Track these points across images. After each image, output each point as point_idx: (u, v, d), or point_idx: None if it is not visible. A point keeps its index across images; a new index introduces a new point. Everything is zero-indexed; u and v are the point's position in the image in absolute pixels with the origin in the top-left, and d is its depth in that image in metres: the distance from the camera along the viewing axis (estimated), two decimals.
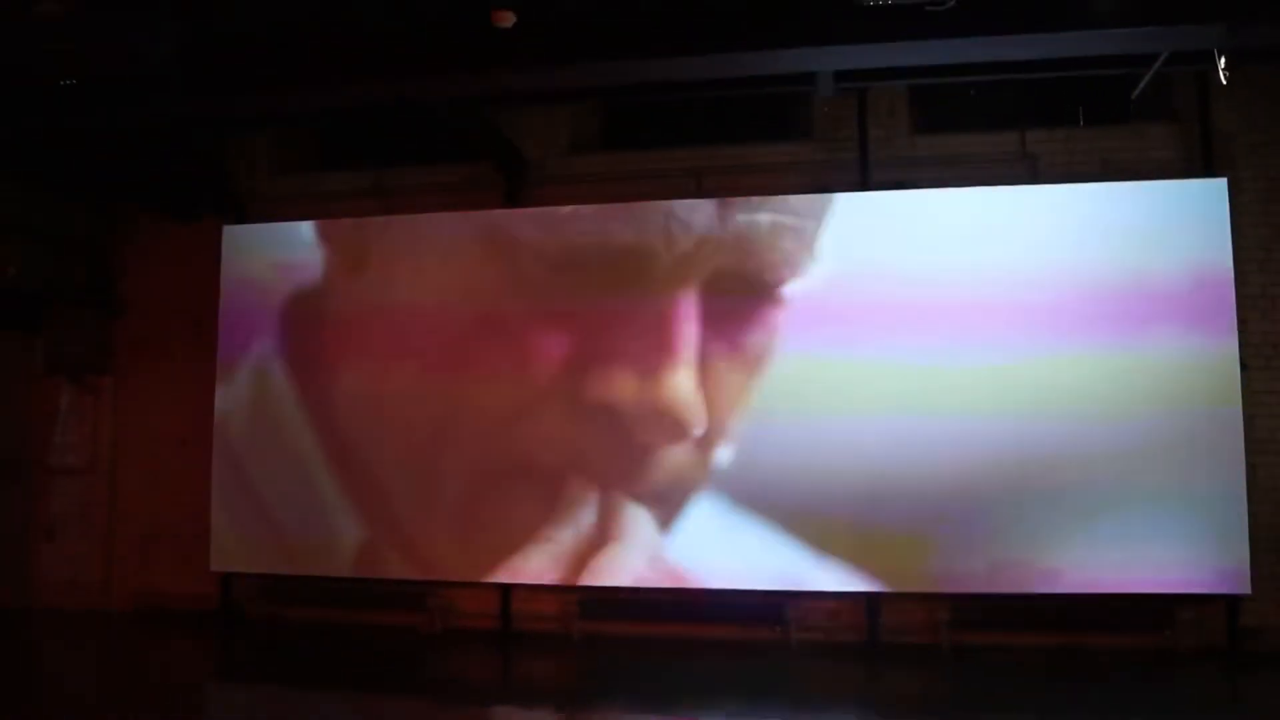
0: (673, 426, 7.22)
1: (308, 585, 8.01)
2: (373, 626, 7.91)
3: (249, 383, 8.16)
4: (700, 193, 7.66)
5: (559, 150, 8.12)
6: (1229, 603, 6.77)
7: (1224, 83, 6.37)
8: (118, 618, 8.55)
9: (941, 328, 7.03)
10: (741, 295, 7.23)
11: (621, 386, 7.35)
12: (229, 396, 8.19)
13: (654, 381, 7.28)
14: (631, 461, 7.31)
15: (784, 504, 7.06)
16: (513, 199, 8.03)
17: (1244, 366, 6.80)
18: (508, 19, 5.53)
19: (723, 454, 7.20)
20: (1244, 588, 6.61)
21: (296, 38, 6.11)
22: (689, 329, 7.26)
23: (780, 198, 7.29)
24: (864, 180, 7.49)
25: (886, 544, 6.97)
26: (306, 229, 8.16)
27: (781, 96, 7.84)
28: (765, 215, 7.23)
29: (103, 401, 8.98)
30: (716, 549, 7.17)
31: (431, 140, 8.13)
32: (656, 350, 7.30)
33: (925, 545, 6.93)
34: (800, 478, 7.05)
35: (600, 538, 7.34)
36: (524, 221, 7.72)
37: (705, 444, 7.22)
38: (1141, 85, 7.06)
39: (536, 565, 7.42)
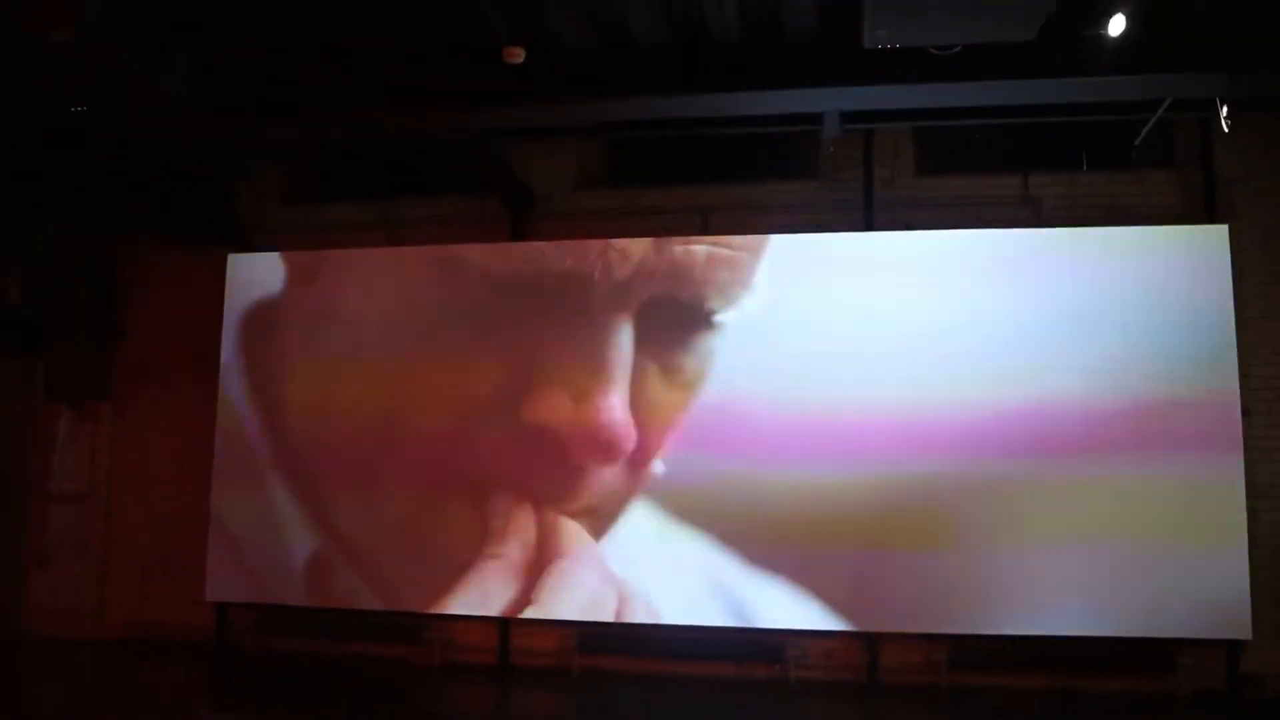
0: (605, 446, 7.29)
1: (304, 616, 7.93)
2: (369, 659, 7.83)
3: (244, 410, 8.16)
4: (707, 230, 7.70)
5: (565, 185, 8.17)
6: (1230, 648, 6.74)
7: (1226, 130, 6.43)
8: (111, 647, 8.46)
9: (923, 368, 7.08)
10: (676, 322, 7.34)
11: (557, 407, 7.43)
12: (226, 423, 8.18)
13: (587, 403, 7.37)
14: (567, 479, 7.38)
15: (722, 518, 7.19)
16: (518, 233, 8.07)
17: (1246, 412, 6.81)
18: (518, 55, 5.59)
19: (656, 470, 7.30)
20: (1245, 633, 6.58)
21: (304, 70, 6.19)
22: (622, 353, 7.35)
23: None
24: (868, 220, 7.54)
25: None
26: (311, 258, 8.20)
27: (788, 136, 7.91)
28: (701, 248, 7.34)
29: (102, 428, 8.95)
30: (652, 560, 7.26)
31: (438, 173, 8.19)
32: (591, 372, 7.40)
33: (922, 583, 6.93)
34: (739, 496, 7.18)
35: (544, 554, 7.40)
36: (476, 250, 7.85)
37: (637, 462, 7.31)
38: (1143, 133, 7.14)
39: (491, 584, 7.43)
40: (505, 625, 7.73)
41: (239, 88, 6.31)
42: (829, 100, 6.20)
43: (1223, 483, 6.68)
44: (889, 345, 7.13)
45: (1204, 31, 5.50)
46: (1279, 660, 6.78)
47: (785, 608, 7.05)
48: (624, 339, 7.38)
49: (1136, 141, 7.27)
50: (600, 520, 7.37)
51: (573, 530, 7.37)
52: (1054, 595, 6.76)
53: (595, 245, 7.48)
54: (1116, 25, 5.24)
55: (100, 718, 6.63)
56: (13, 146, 6.44)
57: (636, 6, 5.37)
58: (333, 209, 8.64)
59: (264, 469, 8.03)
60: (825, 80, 5.71)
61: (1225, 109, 6.30)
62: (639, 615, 7.25)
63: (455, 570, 7.53)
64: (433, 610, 7.61)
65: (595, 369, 7.39)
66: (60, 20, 4.56)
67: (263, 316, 8.24)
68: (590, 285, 7.45)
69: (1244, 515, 6.65)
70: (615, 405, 7.32)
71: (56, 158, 7.01)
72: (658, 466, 7.30)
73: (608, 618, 7.27)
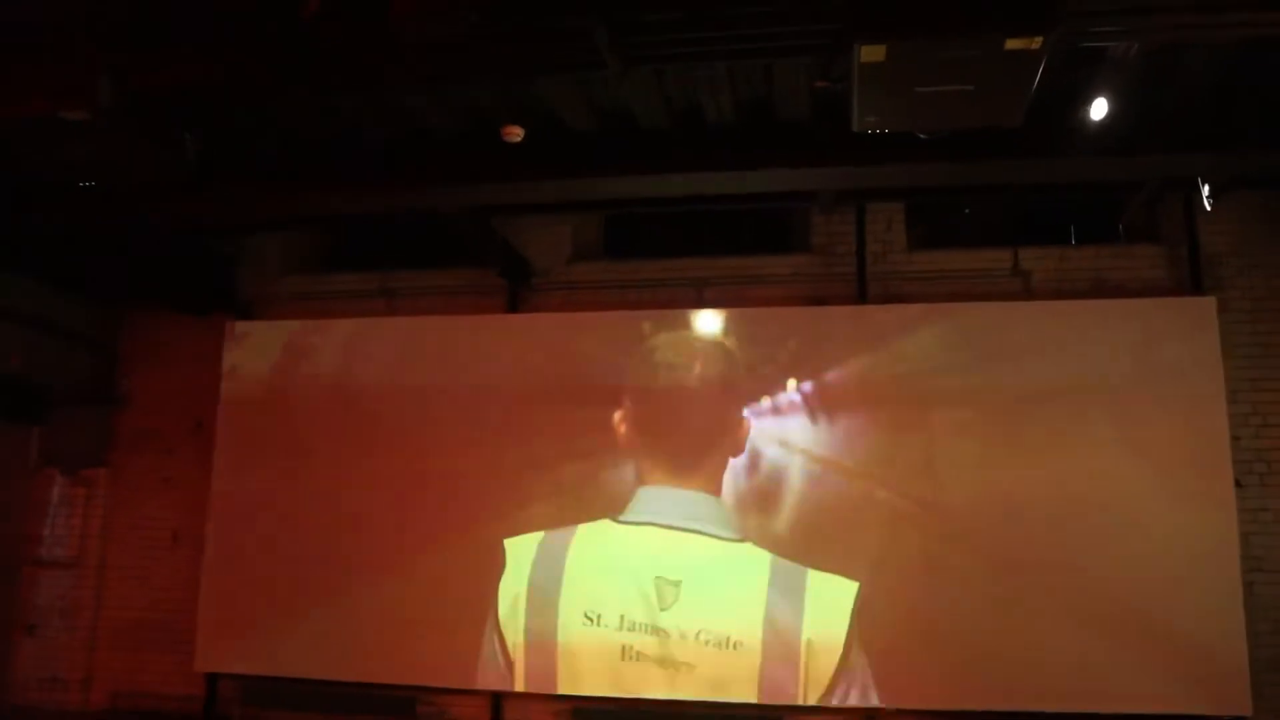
0: None
1: (294, 688, 7.84)
2: None
3: (240, 477, 8.18)
4: (702, 303, 7.81)
5: (562, 258, 8.27)
6: None
7: (1209, 209, 6.57)
8: (96, 717, 8.35)
9: (914, 442, 7.16)
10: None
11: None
12: (221, 491, 8.18)
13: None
14: None
15: None
16: (515, 305, 8.17)
17: (1238, 484, 6.85)
18: (517, 134, 5.74)
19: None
20: (1244, 709, 6.54)
21: (308, 146, 6.33)
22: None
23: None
24: (861, 293, 7.64)
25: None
26: (311, 327, 8.29)
27: (782, 211, 8.07)
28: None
29: (95, 495, 8.91)
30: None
31: (437, 245, 8.30)
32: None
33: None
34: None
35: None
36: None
37: None
38: (1128, 212, 7.29)
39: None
40: (498, 700, 7.64)
41: (244, 163, 6.45)
42: (821, 179, 6.34)
43: (1217, 556, 6.70)
44: (881, 417, 7.20)
45: (1187, 113, 5.65)
46: None
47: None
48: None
49: (1122, 221, 7.42)
50: None
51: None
52: (1051, 672, 6.73)
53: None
54: (1099, 109, 5.40)
55: None
56: (20, 219, 6.54)
57: (633, 89, 5.51)
58: (333, 279, 8.73)
59: (257, 538, 8.01)
60: (816, 161, 5.86)
61: (1207, 188, 6.46)
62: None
63: (449, 643, 7.50)
64: (425, 683, 7.55)
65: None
66: (76, 100, 4.67)
67: (260, 385, 8.29)
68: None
69: (1239, 588, 6.65)
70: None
71: (63, 231, 7.11)
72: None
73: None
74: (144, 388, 8.93)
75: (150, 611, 8.49)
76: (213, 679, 8.12)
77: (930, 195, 7.23)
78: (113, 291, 8.79)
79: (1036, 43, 3.85)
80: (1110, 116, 5.42)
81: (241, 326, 8.51)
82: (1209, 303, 7.11)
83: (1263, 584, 6.87)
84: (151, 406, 8.86)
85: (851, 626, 7.00)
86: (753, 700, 7.06)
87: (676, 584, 7.26)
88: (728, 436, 7.38)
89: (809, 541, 7.17)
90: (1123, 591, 6.73)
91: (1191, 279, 7.31)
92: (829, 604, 7.06)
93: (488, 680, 7.49)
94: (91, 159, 5.20)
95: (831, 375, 7.33)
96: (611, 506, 7.51)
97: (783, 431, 7.32)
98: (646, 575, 7.32)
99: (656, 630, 7.22)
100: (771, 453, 7.31)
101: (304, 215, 7.88)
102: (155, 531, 8.65)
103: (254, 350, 8.37)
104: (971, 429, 7.11)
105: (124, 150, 5.18)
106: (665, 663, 7.18)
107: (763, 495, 7.29)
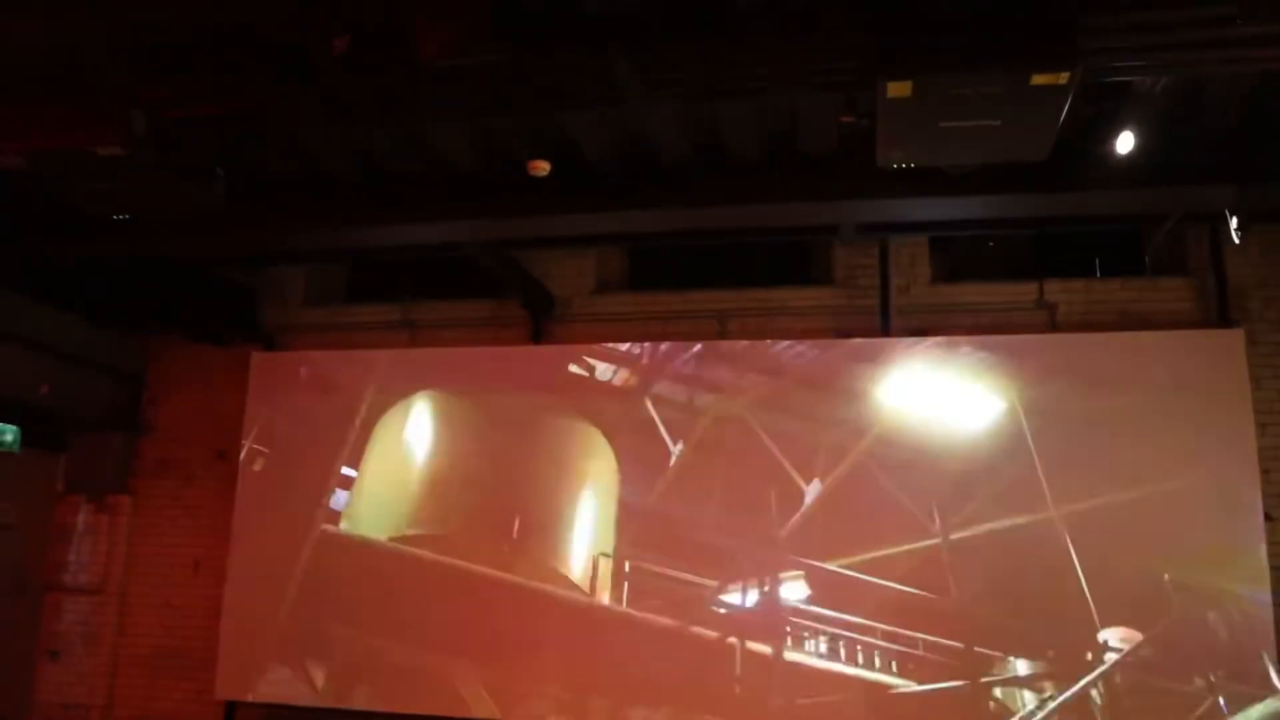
0: None
1: (315, 717, 7.81)
2: None
3: (262, 506, 8.20)
4: (725, 334, 7.81)
5: (585, 290, 8.28)
6: None
7: (1236, 241, 6.53)
8: None
9: (940, 474, 7.09)
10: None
11: None
12: (243, 520, 8.21)
13: None
14: None
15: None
16: (538, 336, 8.18)
17: (1268, 517, 6.76)
18: (543, 168, 5.79)
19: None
20: None
21: (334, 180, 6.40)
22: None
23: None
24: (885, 326, 7.61)
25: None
26: (333, 358, 8.34)
27: (805, 243, 8.07)
28: None
29: (119, 521, 8.97)
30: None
31: (460, 276, 8.33)
32: None
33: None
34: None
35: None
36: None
37: None
38: (1154, 243, 7.26)
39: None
40: None
41: (270, 196, 6.53)
42: (845, 213, 6.35)
43: (1248, 591, 6.59)
44: (905, 450, 7.17)
45: (1211, 146, 5.63)
46: None
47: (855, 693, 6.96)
48: None
49: (1148, 251, 7.38)
50: None
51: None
52: (1090, 706, 6.62)
53: None
54: (1125, 142, 5.39)
55: None
56: (52, 251, 6.64)
57: (658, 124, 5.55)
58: (355, 311, 8.78)
59: (278, 567, 8.02)
60: (841, 194, 5.87)
61: (1235, 220, 6.42)
62: None
63: (476, 673, 7.47)
64: (450, 714, 7.52)
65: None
66: (109, 135, 4.74)
67: (282, 415, 8.34)
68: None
69: (1271, 624, 6.54)
70: None
71: (93, 262, 7.20)
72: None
73: None
74: (168, 416, 9.00)
75: (171, 638, 8.52)
76: (232, 706, 8.11)
77: (955, 228, 7.20)
78: (139, 322, 8.88)
79: (1063, 78, 3.85)
80: (1136, 149, 5.41)
81: (264, 357, 8.57)
82: (1237, 335, 7.04)
83: None
84: (175, 435, 8.93)
85: None
86: None
87: None
88: None
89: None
90: (1152, 628, 6.63)
91: (1219, 311, 7.24)
92: None
93: (518, 709, 7.44)
94: (124, 193, 5.26)
95: (858, 405, 7.31)
96: None
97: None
98: None
99: None
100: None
101: (328, 248, 7.95)
102: (177, 559, 8.69)
103: (277, 380, 8.42)
104: (996, 464, 7.04)
105: (156, 184, 5.24)
106: None
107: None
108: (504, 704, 7.45)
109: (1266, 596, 6.58)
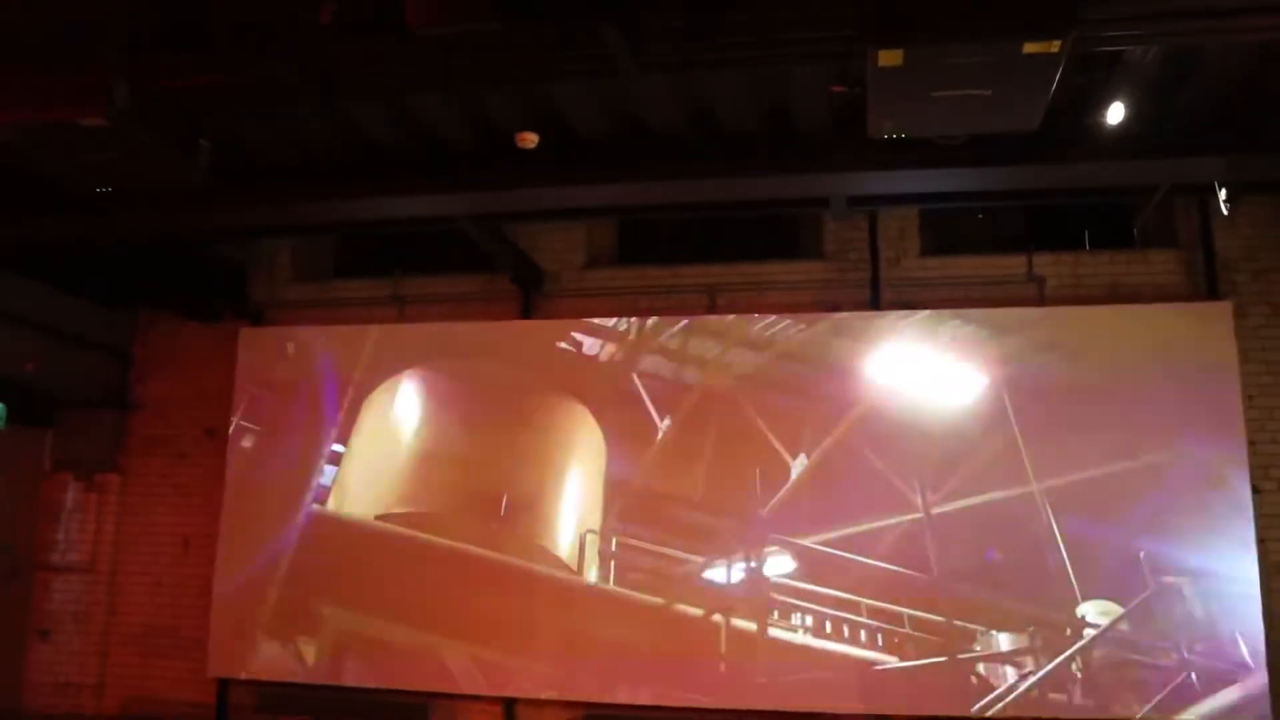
0: None
1: (307, 694, 7.83)
2: None
3: (252, 482, 8.19)
4: (715, 309, 7.81)
5: (575, 264, 8.27)
6: None
7: (1225, 213, 6.54)
8: None
9: (930, 446, 7.12)
10: None
11: None
12: (233, 497, 8.20)
13: None
14: None
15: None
16: (528, 311, 8.16)
17: (1255, 489, 6.81)
18: (531, 140, 5.75)
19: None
20: (1264, 714, 6.48)
21: (321, 153, 6.33)
22: None
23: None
24: (875, 300, 7.62)
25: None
26: (322, 333, 8.31)
27: (795, 217, 8.06)
28: None
29: (108, 500, 8.94)
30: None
31: (449, 251, 8.30)
32: None
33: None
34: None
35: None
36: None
37: None
38: (1143, 216, 7.27)
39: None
40: (510, 705, 7.62)
41: (257, 170, 6.47)
42: (836, 185, 6.33)
43: (1235, 561, 6.65)
44: (891, 424, 7.19)
45: (1202, 118, 5.62)
46: None
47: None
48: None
49: (1137, 224, 7.40)
50: None
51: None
52: (1061, 679, 6.69)
53: None
54: (1115, 113, 5.38)
55: None
56: (37, 225, 6.57)
57: (648, 95, 5.51)
58: (344, 286, 8.75)
59: (269, 544, 8.01)
60: (833, 166, 5.84)
61: (1224, 192, 6.42)
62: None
63: (463, 648, 7.51)
64: (438, 689, 7.54)
65: None
66: (92, 106, 4.69)
67: (272, 391, 8.31)
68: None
69: (1258, 594, 6.61)
70: None
71: (79, 237, 7.14)
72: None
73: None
74: (156, 393, 8.96)
75: (162, 617, 8.51)
76: (225, 684, 8.12)
77: (944, 200, 7.20)
78: (127, 298, 8.83)
79: (1055, 46, 3.83)
80: (1126, 121, 5.40)
81: (253, 332, 8.53)
82: (1225, 308, 7.07)
83: None
84: (164, 412, 8.89)
85: None
86: None
87: None
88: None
89: None
90: (1130, 603, 6.69)
91: (1207, 284, 7.27)
92: None
93: (507, 684, 7.48)
94: (108, 165, 5.20)
95: (846, 379, 7.33)
96: None
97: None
98: None
99: None
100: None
101: (316, 222, 7.88)
102: (167, 537, 8.67)
103: (266, 356, 8.39)
104: (981, 438, 7.07)
105: (140, 156, 5.19)
106: None
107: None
108: (493, 680, 7.50)
109: (1254, 567, 6.63)
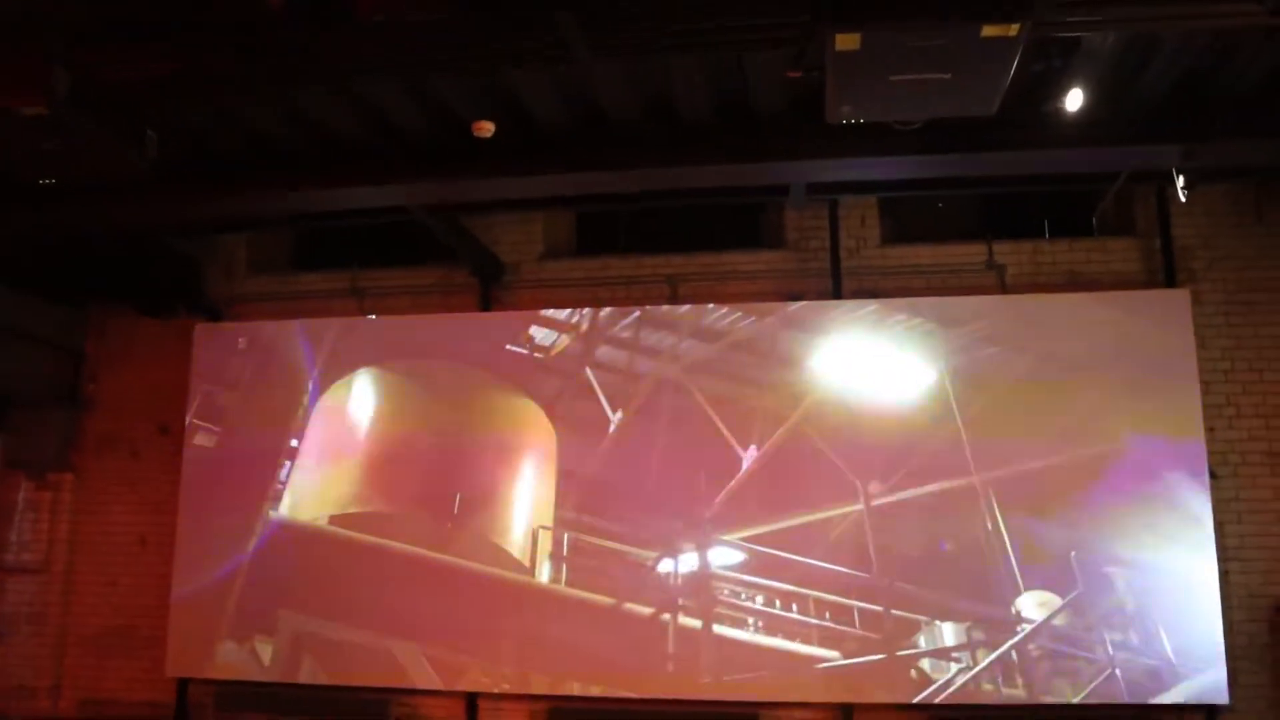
0: None
1: (268, 691, 7.71)
2: None
3: (208, 481, 8.05)
4: (676, 299, 7.78)
5: (533, 255, 8.19)
6: (1208, 713, 6.70)
7: (1183, 201, 6.59)
8: None
9: (889, 435, 7.14)
10: None
11: None
12: (189, 495, 8.05)
13: None
14: None
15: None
16: (487, 303, 8.09)
17: (1213, 475, 6.88)
18: (488, 129, 5.67)
19: None
20: (1221, 698, 6.57)
21: (272, 143, 6.22)
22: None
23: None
24: (836, 288, 7.60)
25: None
26: (279, 329, 8.18)
27: (755, 206, 8.03)
28: None
29: (62, 499, 8.77)
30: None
31: (407, 243, 8.20)
32: None
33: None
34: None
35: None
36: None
37: None
38: (1101, 204, 7.32)
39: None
40: (473, 700, 7.56)
41: (209, 162, 6.34)
42: (796, 173, 6.31)
43: (1194, 547, 6.72)
44: (871, 405, 7.20)
45: (1159, 105, 5.65)
46: None
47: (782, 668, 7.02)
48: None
49: (1095, 212, 7.44)
50: None
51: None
52: (1031, 663, 6.73)
53: None
54: (1074, 100, 5.39)
55: None
56: None
57: (604, 82, 5.45)
58: (302, 279, 8.63)
59: (226, 542, 7.89)
60: (792, 154, 5.82)
61: (1181, 179, 6.46)
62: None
63: (424, 644, 7.44)
64: (399, 685, 7.47)
65: None
66: (31, 94, 4.56)
67: (228, 388, 8.17)
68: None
69: (1217, 577, 6.68)
70: None
71: (26, 231, 6.98)
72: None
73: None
74: (109, 391, 8.78)
75: (119, 617, 8.37)
76: (184, 684, 7.99)
77: (904, 188, 7.20)
78: (77, 294, 8.64)
79: (1013, 30, 3.81)
80: (1085, 108, 5.42)
81: (208, 328, 8.38)
82: (1183, 295, 7.14)
83: (1238, 573, 6.91)
84: (117, 410, 8.72)
85: None
86: None
87: None
88: None
89: None
90: (1100, 581, 6.74)
91: (1165, 272, 7.32)
92: None
93: (462, 681, 7.41)
94: (51, 155, 5.07)
95: (808, 369, 7.33)
96: None
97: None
98: None
99: None
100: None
101: (270, 214, 7.77)
102: (123, 536, 8.52)
103: (221, 352, 8.25)
104: (933, 428, 7.09)
105: (84, 147, 5.07)
106: None
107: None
108: (446, 677, 7.44)
109: (1211, 552, 6.69)
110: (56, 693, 8.43)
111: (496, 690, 7.40)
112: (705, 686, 7.07)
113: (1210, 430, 6.98)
